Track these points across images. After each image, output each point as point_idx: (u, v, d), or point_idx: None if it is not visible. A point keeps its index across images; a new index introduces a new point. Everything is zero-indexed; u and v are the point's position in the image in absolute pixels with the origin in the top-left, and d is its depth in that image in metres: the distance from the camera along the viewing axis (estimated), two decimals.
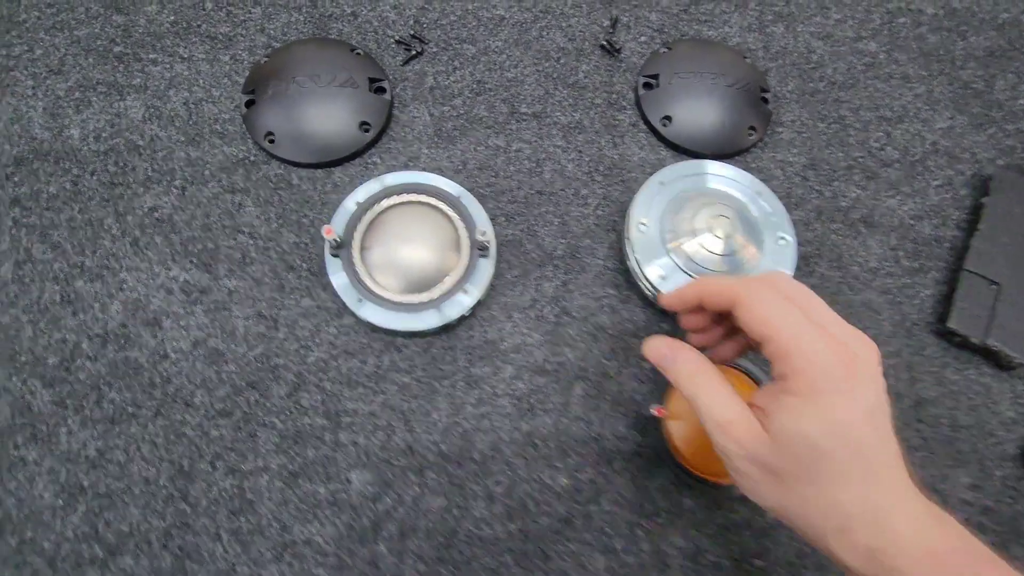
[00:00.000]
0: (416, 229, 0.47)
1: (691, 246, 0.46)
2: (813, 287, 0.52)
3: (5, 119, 0.52)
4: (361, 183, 0.51)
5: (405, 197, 0.48)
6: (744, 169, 0.52)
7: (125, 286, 0.48)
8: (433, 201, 0.49)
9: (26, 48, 0.54)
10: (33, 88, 0.53)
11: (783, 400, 0.29)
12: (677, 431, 0.46)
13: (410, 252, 0.46)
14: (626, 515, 0.45)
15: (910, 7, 0.64)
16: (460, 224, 0.48)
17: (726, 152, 0.55)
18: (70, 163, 0.51)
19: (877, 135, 0.58)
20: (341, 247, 0.46)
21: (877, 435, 0.28)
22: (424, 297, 0.46)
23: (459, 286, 0.47)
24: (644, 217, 0.47)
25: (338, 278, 0.47)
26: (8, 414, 0.44)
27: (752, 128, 0.55)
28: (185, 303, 0.48)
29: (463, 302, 0.46)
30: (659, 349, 0.35)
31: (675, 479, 0.46)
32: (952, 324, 0.49)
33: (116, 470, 0.44)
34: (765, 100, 0.57)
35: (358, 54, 0.55)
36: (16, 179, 0.50)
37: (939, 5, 0.64)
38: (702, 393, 0.32)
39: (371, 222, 0.48)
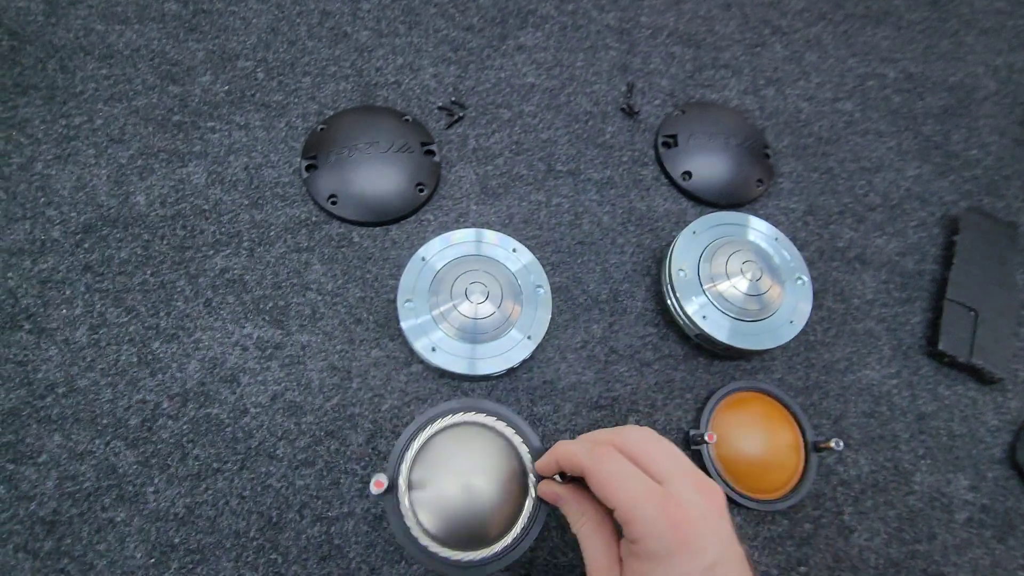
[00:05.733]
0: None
1: (724, 287, 0.52)
2: (822, 319, 0.59)
3: (69, 187, 0.53)
4: (420, 239, 0.55)
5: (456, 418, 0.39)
6: (753, 215, 0.59)
7: (201, 345, 0.50)
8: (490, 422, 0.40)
9: (86, 119, 0.56)
10: (95, 157, 0.55)
11: (630, 563, 0.31)
12: (722, 453, 0.51)
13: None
14: None
15: (876, 71, 0.74)
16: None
17: (738, 202, 0.62)
18: (139, 228, 0.53)
19: (860, 183, 0.67)
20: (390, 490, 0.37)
21: None
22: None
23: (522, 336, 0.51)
24: (683, 263, 0.53)
25: (408, 323, 0.50)
26: (93, 476, 0.45)
27: (760, 180, 0.63)
28: (260, 359, 0.50)
29: (526, 346, 0.51)
30: (551, 492, 0.36)
31: None
32: (942, 347, 0.57)
33: (206, 525, 0.45)
34: (767, 155, 0.65)
35: (407, 120, 0.59)
36: (86, 246, 0.52)
37: (898, 70, 0.75)
38: (583, 538, 0.34)
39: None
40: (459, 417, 0.40)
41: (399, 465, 0.38)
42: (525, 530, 0.37)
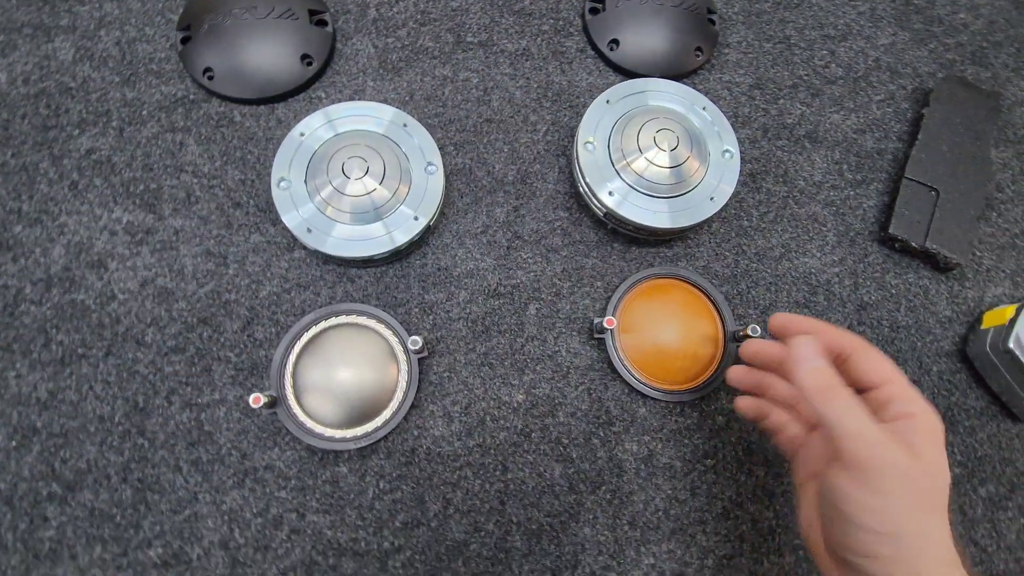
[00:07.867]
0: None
1: (640, 164, 0.46)
2: (759, 203, 0.53)
3: None
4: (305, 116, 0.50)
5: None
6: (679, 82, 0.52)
7: (66, 230, 0.47)
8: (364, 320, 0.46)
9: None
10: None
11: (908, 432, 0.31)
12: (629, 343, 0.47)
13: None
14: (581, 426, 0.46)
15: None
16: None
17: (674, 74, 0.55)
18: None
19: (821, 53, 0.58)
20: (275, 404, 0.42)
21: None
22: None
23: (410, 211, 0.46)
24: (591, 136, 0.47)
25: (283, 202, 0.46)
26: None
27: (699, 49, 0.55)
28: (130, 244, 0.47)
29: (413, 227, 0.46)
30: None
31: (628, 390, 0.47)
32: (893, 230, 0.51)
33: (69, 410, 0.43)
34: (712, 22, 0.57)
35: None
36: None
37: None
38: (833, 412, 0.32)
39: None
40: (324, 324, 0.45)
41: (282, 378, 0.43)
42: (404, 396, 0.44)
